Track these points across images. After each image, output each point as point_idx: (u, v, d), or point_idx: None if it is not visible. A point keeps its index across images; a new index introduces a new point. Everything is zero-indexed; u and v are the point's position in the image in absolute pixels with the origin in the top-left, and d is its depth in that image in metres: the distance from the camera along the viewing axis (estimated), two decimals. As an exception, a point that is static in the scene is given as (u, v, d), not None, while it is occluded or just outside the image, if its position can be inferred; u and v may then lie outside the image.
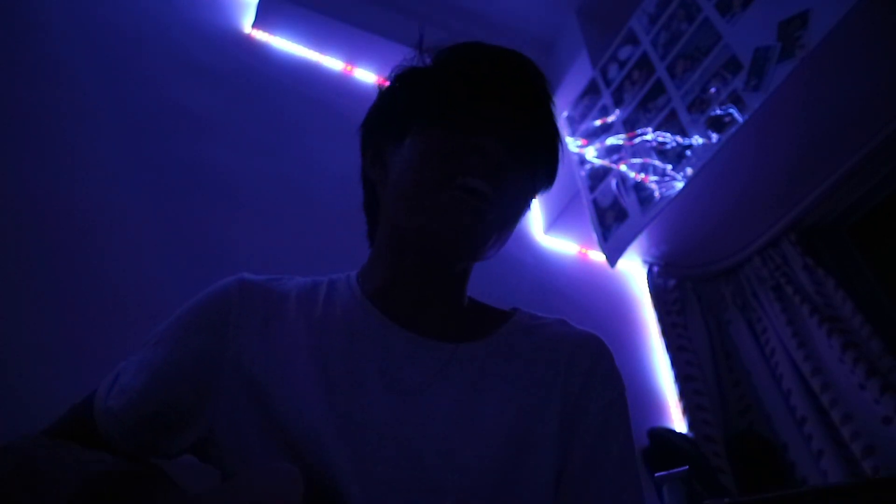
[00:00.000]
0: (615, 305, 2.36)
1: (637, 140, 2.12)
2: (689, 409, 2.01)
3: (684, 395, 2.04)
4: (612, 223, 2.17)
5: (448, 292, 0.75)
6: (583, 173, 2.34)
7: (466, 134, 0.68)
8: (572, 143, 2.45)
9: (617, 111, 2.26)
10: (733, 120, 1.77)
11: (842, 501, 0.31)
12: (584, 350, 0.74)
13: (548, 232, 2.50)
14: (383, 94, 0.79)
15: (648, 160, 2.05)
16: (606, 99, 2.34)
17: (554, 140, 0.76)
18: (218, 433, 0.66)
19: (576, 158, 2.40)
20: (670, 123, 2.00)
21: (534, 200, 0.80)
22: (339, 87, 2.32)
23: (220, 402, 0.66)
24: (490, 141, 0.68)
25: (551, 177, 0.79)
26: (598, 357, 0.75)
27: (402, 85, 0.77)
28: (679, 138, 1.95)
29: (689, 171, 1.89)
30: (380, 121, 0.78)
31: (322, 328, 0.70)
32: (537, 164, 0.75)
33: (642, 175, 2.07)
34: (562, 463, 0.67)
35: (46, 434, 0.68)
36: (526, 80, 0.73)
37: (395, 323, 0.71)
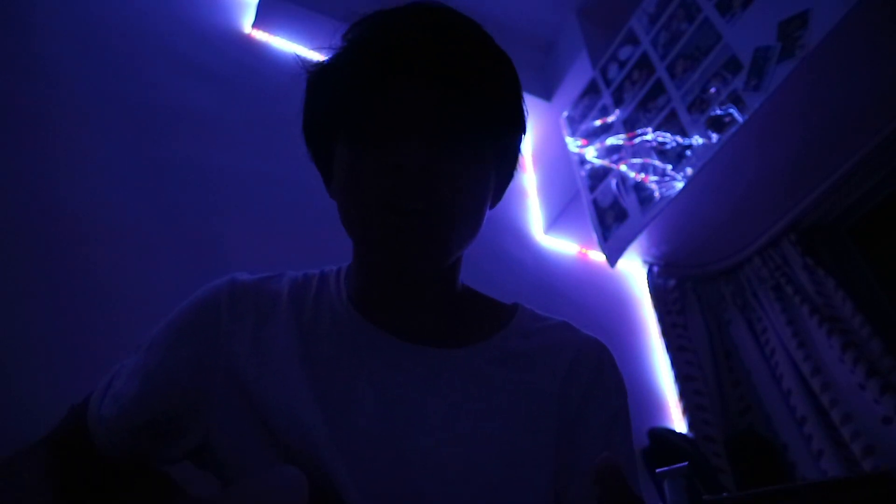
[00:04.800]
0: (615, 305, 2.36)
1: (637, 140, 2.11)
2: (689, 409, 2.01)
3: (684, 395, 2.04)
4: (612, 223, 2.17)
5: (431, 293, 0.71)
6: (583, 173, 2.34)
7: (380, 150, 0.61)
8: (572, 143, 2.44)
9: (617, 111, 2.26)
10: (733, 120, 1.77)
11: (838, 496, 0.31)
12: (587, 357, 0.71)
13: (548, 232, 2.50)
14: (306, 100, 0.74)
15: (648, 160, 2.05)
16: (606, 99, 2.33)
17: (496, 90, 0.65)
18: (214, 441, 0.65)
19: (576, 158, 2.40)
20: (670, 123, 1.99)
21: (519, 154, 0.72)
22: (339, 87, 2.31)
23: (215, 410, 0.65)
24: (405, 155, 0.59)
25: (516, 121, 0.69)
26: (600, 365, 0.71)
27: (312, 89, 0.72)
28: (679, 138, 1.95)
29: (689, 171, 1.89)
30: (308, 134, 0.72)
31: (312, 336, 0.68)
32: (482, 130, 0.64)
33: (642, 175, 2.07)
34: (559, 473, 0.65)
35: (43, 444, 0.67)
36: (444, 47, 0.63)
37: (381, 328, 0.68)
